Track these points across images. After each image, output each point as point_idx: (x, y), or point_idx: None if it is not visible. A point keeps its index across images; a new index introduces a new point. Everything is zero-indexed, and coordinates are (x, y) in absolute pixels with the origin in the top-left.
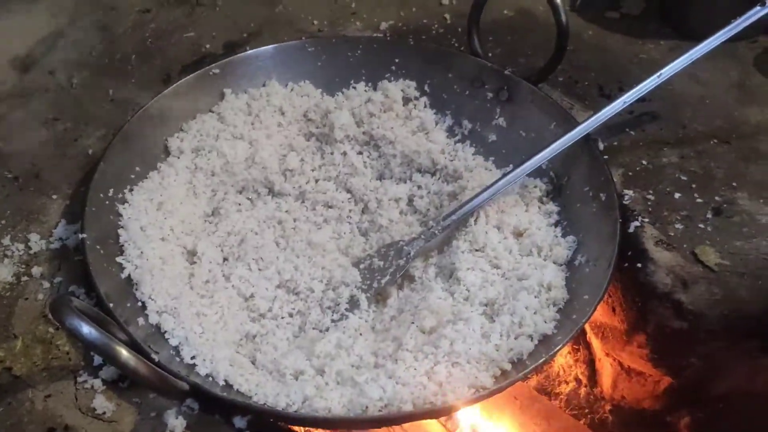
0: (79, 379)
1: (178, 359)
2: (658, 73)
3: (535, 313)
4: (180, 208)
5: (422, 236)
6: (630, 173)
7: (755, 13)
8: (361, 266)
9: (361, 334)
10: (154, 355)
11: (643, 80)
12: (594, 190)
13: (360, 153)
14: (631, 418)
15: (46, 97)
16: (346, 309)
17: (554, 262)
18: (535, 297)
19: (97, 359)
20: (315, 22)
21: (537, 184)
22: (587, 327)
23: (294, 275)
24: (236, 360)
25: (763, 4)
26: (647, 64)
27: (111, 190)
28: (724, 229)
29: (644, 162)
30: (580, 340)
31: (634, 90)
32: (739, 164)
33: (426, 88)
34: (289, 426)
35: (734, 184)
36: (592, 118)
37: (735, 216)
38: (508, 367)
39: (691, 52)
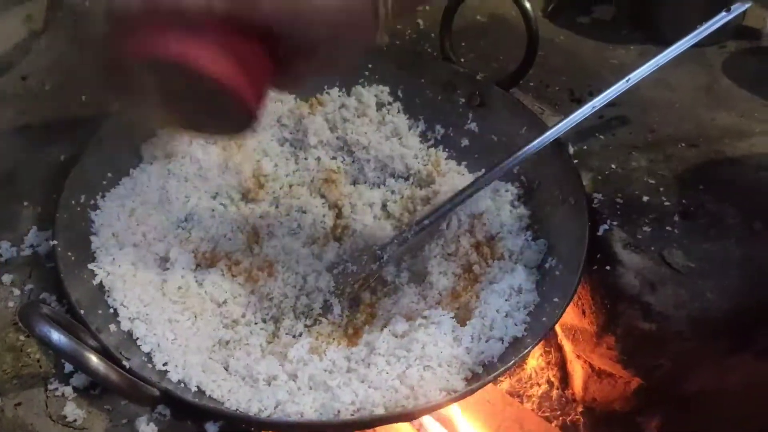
0: (50, 387)
1: (150, 366)
2: (627, 78)
3: (505, 316)
4: (152, 214)
5: (395, 241)
6: (599, 177)
7: (721, 19)
8: (335, 271)
9: (334, 339)
10: (125, 362)
11: (613, 85)
12: (564, 194)
13: (334, 158)
14: (603, 419)
15: (18, 103)
16: (319, 314)
17: (525, 266)
18: (506, 300)
19: (68, 367)
20: None
21: (508, 188)
22: (558, 329)
23: (267, 281)
24: (209, 366)
25: (728, 10)
26: (617, 69)
27: (83, 197)
28: (691, 231)
29: (613, 166)
30: (551, 342)
31: (603, 94)
32: (707, 167)
33: (399, 93)
34: (261, 431)
35: (701, 187)
36: (562, 123)
37: (702, 219)
38: (479, 369)
39: (660, 56)
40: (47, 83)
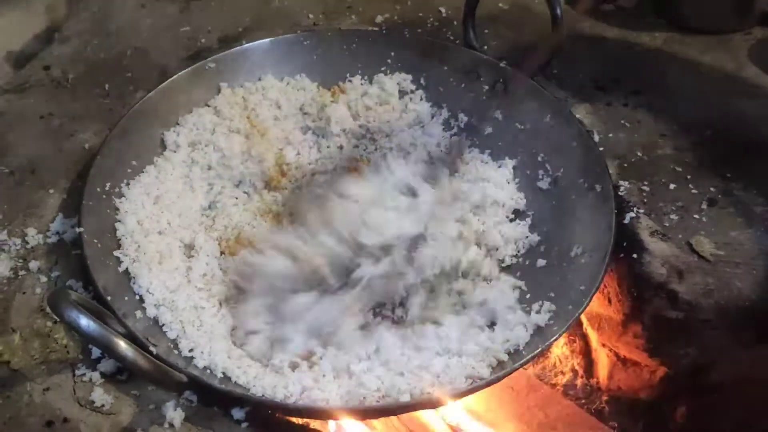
0: (78, 373)
1: (176, 352)
2: None
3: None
4: (177, 201)
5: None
6: (625, 165)
7: None
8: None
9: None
10: (152, 348)
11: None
12: (589, 182)
13: (356, 146)
14: (628, 407)
15: (41, 92)
16: None
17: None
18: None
19: (96, 352)
20: (310, 15)
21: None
22: (583, 318)
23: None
24: (234, 352)
25: None
26: (642, 57)
27: (108, 185)
28: (718, 219)
29: (639, 154)
30: (576, 331)
31: None
32: (734, 155)
33: (422, 81)
34: (287, 417)
35: (728, 175)
36: None
37: (729, 206)
38: (504, 357)
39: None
40: (70, 72)
